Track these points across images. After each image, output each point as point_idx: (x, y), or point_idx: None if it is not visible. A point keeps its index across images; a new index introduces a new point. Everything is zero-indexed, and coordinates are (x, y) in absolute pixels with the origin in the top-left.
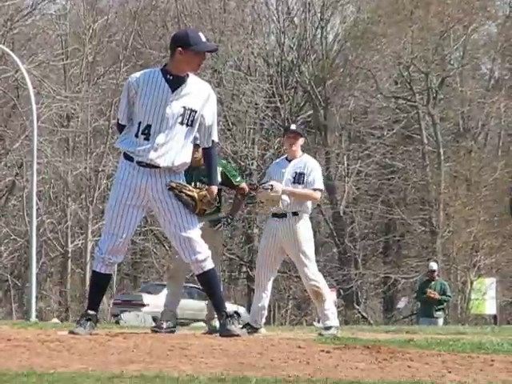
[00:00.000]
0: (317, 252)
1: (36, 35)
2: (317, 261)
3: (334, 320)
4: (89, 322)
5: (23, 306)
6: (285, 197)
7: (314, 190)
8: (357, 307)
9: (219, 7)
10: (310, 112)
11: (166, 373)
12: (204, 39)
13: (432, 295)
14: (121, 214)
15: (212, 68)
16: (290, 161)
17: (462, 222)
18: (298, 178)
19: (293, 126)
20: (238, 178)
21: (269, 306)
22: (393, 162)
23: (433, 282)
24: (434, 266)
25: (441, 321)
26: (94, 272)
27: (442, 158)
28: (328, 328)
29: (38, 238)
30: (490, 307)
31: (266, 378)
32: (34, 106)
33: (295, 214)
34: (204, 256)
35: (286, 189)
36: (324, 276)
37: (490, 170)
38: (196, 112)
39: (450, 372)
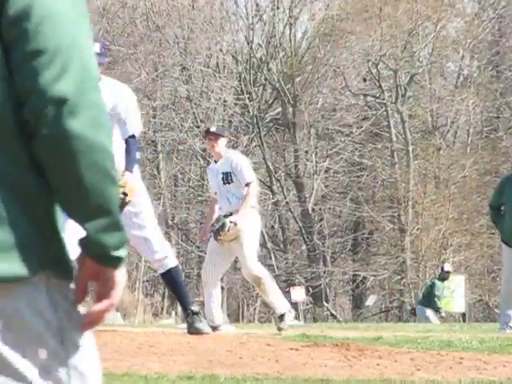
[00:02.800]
0: (285, 249)
1: None
2: (285, 258)
3: (282, 306)
4: None
5: None
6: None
7: (247, 184)
8: (325, 305)
9: (188, 4)
10: (279, 109)
11: (134, 370)
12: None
13: None
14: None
15: (181, 65)
16: (216, 162)
17: (431, 220)
18: (226, 178)
19: (212, 128)
20: None
21: (237, 303)
22: (361, 160)
23: (445, 283)
24: (448, 267)
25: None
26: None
27: (411, 155)
28: (281, 317)
29: None
30: (458, 305)
31: (235, 376)
32: None
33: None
34: (162, 255)
35: (239, 217)
36: (292, 274)
37: (458, 168)
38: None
39: (419, 370)
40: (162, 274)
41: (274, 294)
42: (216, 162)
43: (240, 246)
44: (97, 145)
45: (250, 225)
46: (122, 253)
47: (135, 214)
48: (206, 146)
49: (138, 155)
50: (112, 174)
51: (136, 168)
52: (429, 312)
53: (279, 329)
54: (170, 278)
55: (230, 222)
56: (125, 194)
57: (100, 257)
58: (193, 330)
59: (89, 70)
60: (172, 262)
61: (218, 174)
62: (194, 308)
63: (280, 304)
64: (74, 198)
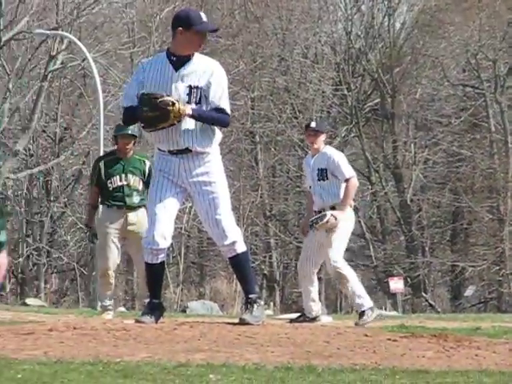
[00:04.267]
0: (384, 240)
1: (103, 24)
2: (384, 249)
3: (363, 302)
4: (155, 311)
5: (89, 295)
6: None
7: (347, 180)
8: (424, 295)
9: None
10: (378, 100)
11: (232, 361)
12: (205, 19)
13: None
14: (161, 198)
15: (279, 56)
16: (313, 156)
17: None
18: (321, 174)
19: (313, 124)
20: None
21: (335, 294)
22: (460, 150)
23: None
24: None
25: None
26: (146, 264)
27: (510, 145)
28: (362, 314)
29: None
30: None
31: (333, 367)
32: (101, 95)
33: (333, 208)
34: (232, 239)
35: (339, 211)
36: (391, 264)
37: None
38: (202, 89)
39: None
40: (230, 258)
41: (356, 291)
42: (313, 156)
43: (329, 241)
44: None
45: (344, 222)
46: (1, 238)
47: (210, 199)
48: (304, 138)
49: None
50: None
51: (214, 147)
52: None
53: (356, 324)
54: (237, 264)
55: (331, 215)
56: (172, 104)
57: None
58: (239, 321)
59: None
60: (241, 247)
61: (313, 170)
62: (253, 296)
63: (361, 301)
64: None
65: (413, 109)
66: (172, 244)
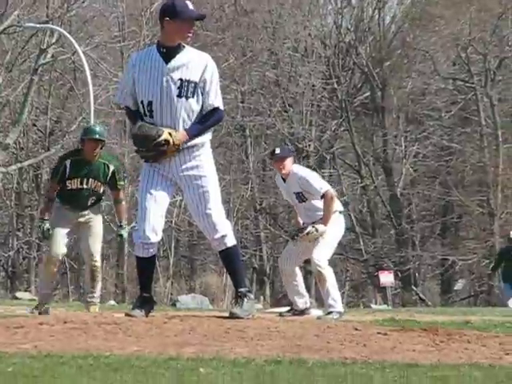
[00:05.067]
0: (374, 234)
1: (93, 17)
2: (374, 242)
3: (335, 305)
4: (145, 305)
5: (80, 289)
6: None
7: (323, 195)
8: (414, 289)
9: None
10: (368, 94)
11: (222, 355)
12: (191, 7)
13: None
14: (151, 192)
15: (269, 50)
16: (284, 180)
17: None
18: (299, 197)
19: (277, 150)
20: (122, 182)
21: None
22: (450, 144)
23: None
24: None
25: None
26: (137, 257)
27: (500, 139)
28: (329, 313)
29: None
30: None
31: (323, 360)
32: (91, 88)
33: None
34: (222, 233)
35: (322, 226)
36: (381, 258)
37: None
38: (195, 83)
39: (507, 354)
40: (220, 252)
41: (331, 293)
42: (284, 180)
43: (317, 243)
44: None
45: (332, 227)
46: None
47: (200, 193)
48: (293, 131)
49: (210, 130)
50: None
51: (204, 141)
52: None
53: (318, 318)
54: (227, 257)
55: (313, 227)
56: (166, 142)
57: None
58: (229, 315)
59: None
60: (231, 240)
61: (290, 194)
62: (243, 290)
63: (333, 303)
64: None
65: (403, 102)
66: (162, 238)
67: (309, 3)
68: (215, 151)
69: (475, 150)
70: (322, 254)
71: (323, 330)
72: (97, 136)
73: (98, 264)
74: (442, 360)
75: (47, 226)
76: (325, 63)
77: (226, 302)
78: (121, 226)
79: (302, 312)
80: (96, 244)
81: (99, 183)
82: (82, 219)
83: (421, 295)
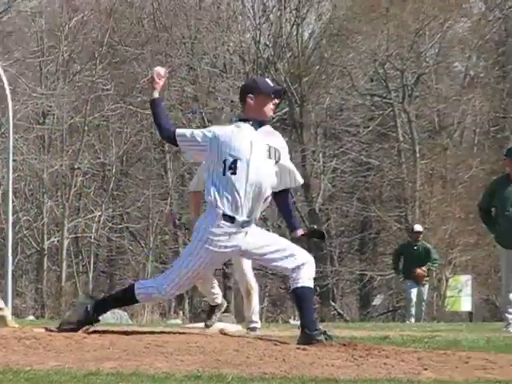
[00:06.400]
0: None
1: (12, 32)
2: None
3: (256, 320)
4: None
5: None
6: None
7: None
8: (333, 304)
9: (195, 4)
10: (286, 109)
11: (142, 370)
12: (271, 84)
13: (420, 274)
14: (200, 272)
15: (187, 65)
16: None
17: (438, 219)
18: None
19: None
20: None
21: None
22: (368, 160)
23: (415, 247)
24: (418, 227)
25: (427, 287)
26: (133, 299)
27: (418, 155)
28: (253, 329)
29: (13, 235)
30: (465, 304)
31: (242, 376)
32: (10, 104)
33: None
34: (300, 262)
35: None
36: None
37: (465, 168)
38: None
39: (425, 369)
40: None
41: (254, 307)
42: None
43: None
44: None
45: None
46: None
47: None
48: None
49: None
50: None
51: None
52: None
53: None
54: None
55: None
56: None
57: None
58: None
59: None
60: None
61: None
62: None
63: (255, 317)
64: None
65: (321, 118)
66: (82, 253)
67: (227, 19)
68: (133, 166)
69: (393, 166)
70: (249, 267)
71: (242, 345)
72: None
73: None
74: (361, 375)
75: None
76: (243, 79)
77: (145, 317)
78: None
79: (217, 306)
80: None
81: None
82: None
83: (339, 310)
